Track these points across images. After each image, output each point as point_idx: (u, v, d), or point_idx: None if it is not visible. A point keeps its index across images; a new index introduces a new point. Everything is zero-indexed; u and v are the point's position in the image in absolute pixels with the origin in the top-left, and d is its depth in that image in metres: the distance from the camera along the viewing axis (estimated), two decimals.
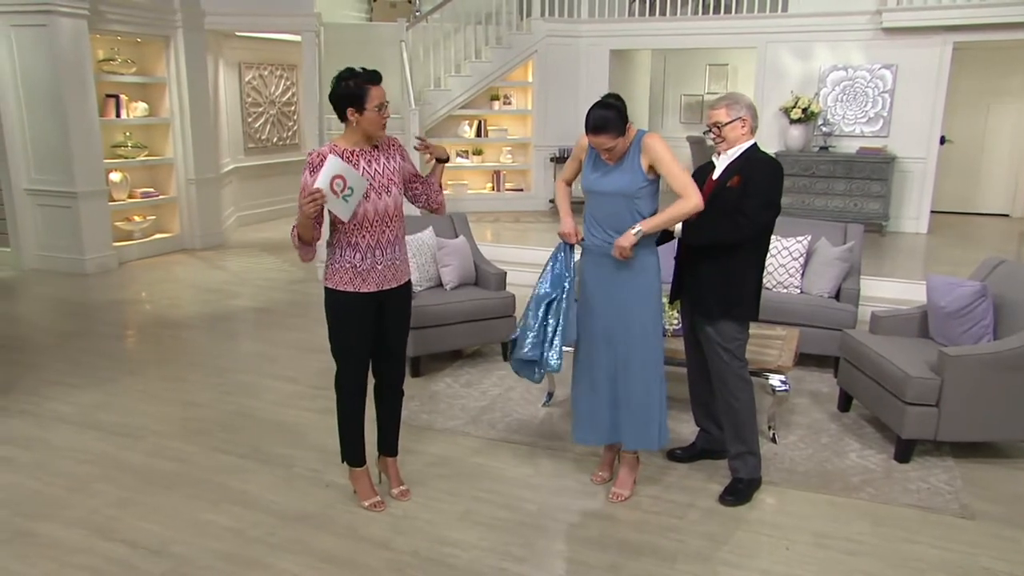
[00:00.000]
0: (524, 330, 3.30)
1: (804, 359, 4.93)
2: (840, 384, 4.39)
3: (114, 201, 7.81)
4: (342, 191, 2.84)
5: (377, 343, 3.19)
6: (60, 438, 3.95)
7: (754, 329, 4.39)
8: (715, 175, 3.30)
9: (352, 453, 3.29)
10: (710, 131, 3.32)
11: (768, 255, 5.08)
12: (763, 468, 3.52)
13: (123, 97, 7.86)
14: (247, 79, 9.90)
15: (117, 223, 7.89)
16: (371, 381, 3.28)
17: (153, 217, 8.35)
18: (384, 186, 3.03)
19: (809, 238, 5.10)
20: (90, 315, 6.18)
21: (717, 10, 9.25)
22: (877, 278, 6.22)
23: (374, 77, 2.92)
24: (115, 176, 7.86)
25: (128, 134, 8.01)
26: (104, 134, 7.58)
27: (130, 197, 8.06)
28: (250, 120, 10.03)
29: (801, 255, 5.05)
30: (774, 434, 3.98)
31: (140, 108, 8.06)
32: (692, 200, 3.05)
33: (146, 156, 8.17)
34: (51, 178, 7.30)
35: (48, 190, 7.34)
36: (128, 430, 4.04)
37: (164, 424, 4.12)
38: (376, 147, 3.05)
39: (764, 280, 5.04)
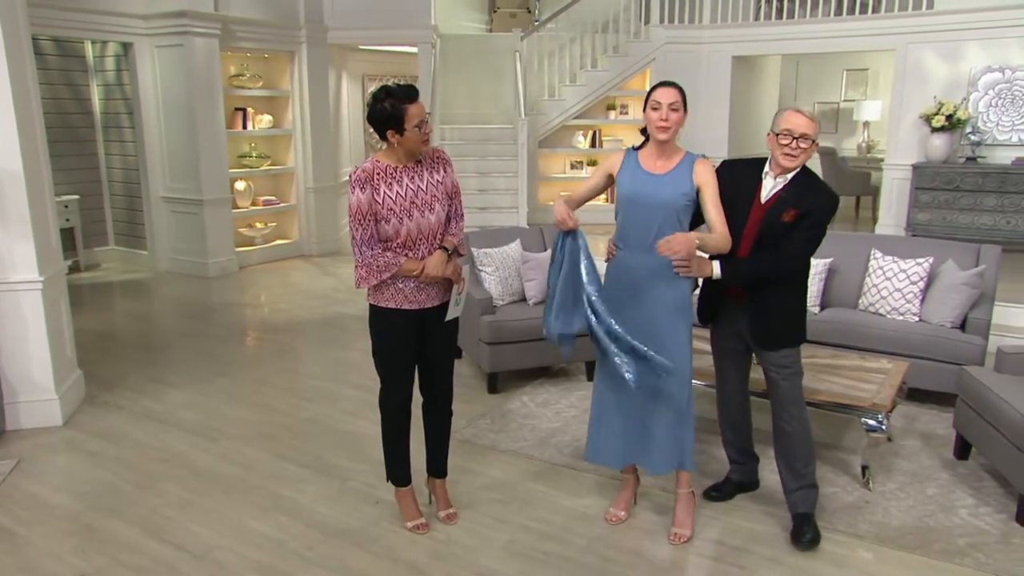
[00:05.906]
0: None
1: (921, 396, 4.41)
2: (956, 428, 3.86)
3: (238, 208, 8.27)
4: (459, 294, 3.06)
5: (422, 361, 3.10)
6: (145, 435, 4.14)
7: (853, 360, 3.98)
8: (763, 197, 2.99)
9: (396, 472, 3.21)
10: (792, 141, 2.88)
11: (883, 278, 4.65)
12: (853, 518, 3.21)
13: (250, 110, 8.32)
14: (370, 90, 10.23)
15: (240, 229, 8.35)
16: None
17: (274, 224, 8.77)
18: (427, 203, 2.94)
19: (931, 260, 4.56)
20: (204, 316, 6.54)
21: (852, 10, 8.56)
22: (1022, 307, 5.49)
23: (411, 94, 2.81)
24: (240, 185, 8.32)
25: (253, 145, 8.45)
26: (231, 145, 8.04)
27: (253, 204, 8.51)
28: (371, 131, 10.32)
29: (921, 279, 4.52)
30: (868, 479, 3.54)
31: (265, 120, 8.50)
32: (725, 239, 2.92)
33: (269, 165, 8.59)
34: (182, 186, 7.83)
35: (179, 198, 7.86)
36: (205, 431, 4.19)
37: (239, 427, 4.24)
38: (419, 162, 2.96)
39: (877, 306, 4.63)
